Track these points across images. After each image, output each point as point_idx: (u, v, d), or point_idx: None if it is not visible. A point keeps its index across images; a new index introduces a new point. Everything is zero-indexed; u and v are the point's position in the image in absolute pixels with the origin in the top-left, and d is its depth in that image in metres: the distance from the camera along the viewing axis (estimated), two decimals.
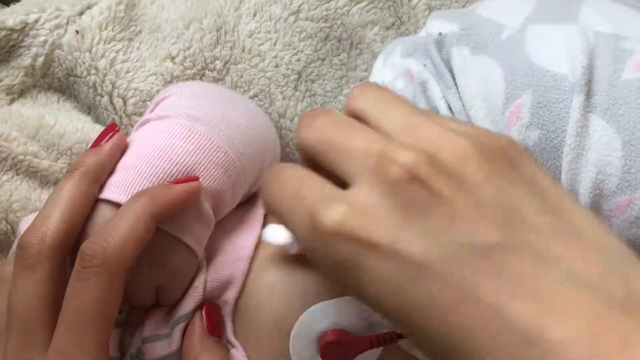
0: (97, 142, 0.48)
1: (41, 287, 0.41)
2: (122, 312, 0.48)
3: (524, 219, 0.28)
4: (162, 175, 0.46)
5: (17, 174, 0.56)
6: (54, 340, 0.40)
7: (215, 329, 0.47)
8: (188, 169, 0.47)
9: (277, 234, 0.45)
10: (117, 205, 0.45)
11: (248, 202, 0.56)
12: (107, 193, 0.46)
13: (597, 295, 0.26)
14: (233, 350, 0.48)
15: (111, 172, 0.47)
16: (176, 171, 0.46)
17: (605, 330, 0.25)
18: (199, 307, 0.48)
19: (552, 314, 0.25)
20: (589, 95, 0.45)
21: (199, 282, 0.48)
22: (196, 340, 0.45)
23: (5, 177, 0.56)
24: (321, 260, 0.30)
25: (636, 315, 0.25)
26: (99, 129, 0.59)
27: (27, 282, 0.41)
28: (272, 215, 0.34)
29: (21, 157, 0.56)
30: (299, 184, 0.32)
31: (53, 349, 0.40)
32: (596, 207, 0.45)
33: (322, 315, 0.45)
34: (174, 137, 0.48)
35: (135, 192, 0.45)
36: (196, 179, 0.46)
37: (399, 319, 0.28)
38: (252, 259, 0.50)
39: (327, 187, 0.32)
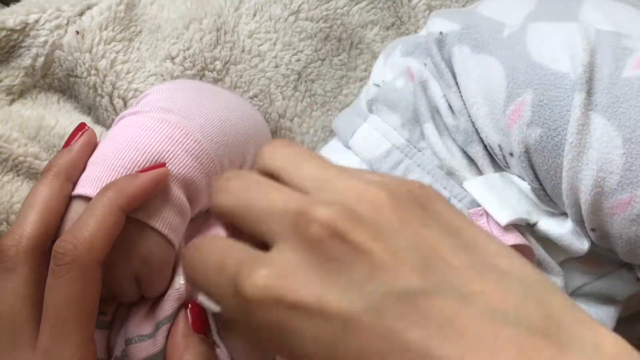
0: (68, 142, 0.49)
1: (22, 288, 0.42)
2: (107, 314, 0.48)
3: (441, 260, 0.29)
4: (130, 165, 0.46)
5: (18, 175, 0.56)
6: (40, 340, 0.41)
7: (200, 325, 0.47)
8: (156, 158, 0.47)
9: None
10: (89, 199, 0.46)
11: None
12: (79, 189, 0.47)
13: (517, 326, 0.26)
14: (217, 350, 0.47)
15: (83, 169, 0.48)
16: (144, 160, 0.47)
17: (531, 359, 0.25)
18: (182, 307, 0.47)
19: (478, 351, 0.25)
20: (589, 93, 0.45)
21: (179, 283, 0.48)
22: (180, 338, 0.46)
23: (6, 178, 0.55)
24: (249, 328, 0.30)
25: (554, 337, 0.26)
26: (99, 130, 0.59)
27: (7, 284, 0.42)
28: (196, 289, 0.34)
29: (22, 158, 0.55)
30: (221, 254, 0.32)
31: (40, 349, 0.41)
32: (597, 205, 0.45)
33: None
34: (143, 129, 0.48)
35: (104, 184, 0.45)
36: (163, 165, 0.47)
37: None
38: None
39: (249, 253, 0.31)
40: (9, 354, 0.41)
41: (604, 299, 0.52)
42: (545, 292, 0.29)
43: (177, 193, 0.47)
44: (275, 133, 0.65)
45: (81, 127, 0.50)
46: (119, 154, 0.47)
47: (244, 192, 0.33)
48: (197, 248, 0.34)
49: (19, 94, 0.60)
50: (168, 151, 0.48)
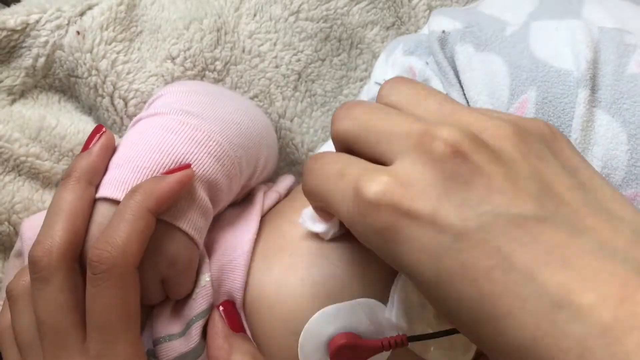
0: (86, 146, 0.49)
1: (60, 296, 0.43)
2: None
3: (556, 193, 0.30)
4: (154, 167, 0.46)
5: (20, 175, 0.56)
6: (89, 347, 0.42)
7: (238, 324, 0.47)
8: (180, 159, 0.47)
9: (314, 220, 0.46)
10: (115, 202, 0.46)
11: (244, 201, 0.56)
12: (103, 191, 0.47)
13: (624, 263, 0.27)
14: None
15: (105, 171, 0.48)
16: (168, 162, 0.47)
17: (631, 296, 0.26)
18: (212, 305, 0.48)
19: (581, 280, 0.26)
20: (593, 89, 0.45)
21: (205, 280, 0.48)
22: (222, 339, 0.46)
23: (7, 178, 0.55)
24: (362, 231, 0.31)
25: None
26: None
27: (45, 294, 0.43)
28: (315, 199, 0.35)
29: (23, 158, 0.55)
30: (342, 165, 0.33)
31: (91, 356, 0.42)
32: None
33: (332, 318, 0.45)
34: (165, 130, 0.48)
35: (130, 186, 0.45)
36: (188, 166, 0.47)
37: (435, 287, 0.29)
38: (252, 253, 0.50)
39: (369, 165, 0.32)
40: (61, 358, 0.42)
41: None
42: None
43: (201, 194, 0.47)
44: (275, 133, 0.65)
45: (98, 129, 0.50)
46: (143, 156, 0.47)
47: (367, 116, 0.34)
48: (319, 159, 0.35)
49: (20, 94, 0.60)
50: (191, 153, 0.48)
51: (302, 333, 0.45)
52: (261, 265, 0.49)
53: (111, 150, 0.49)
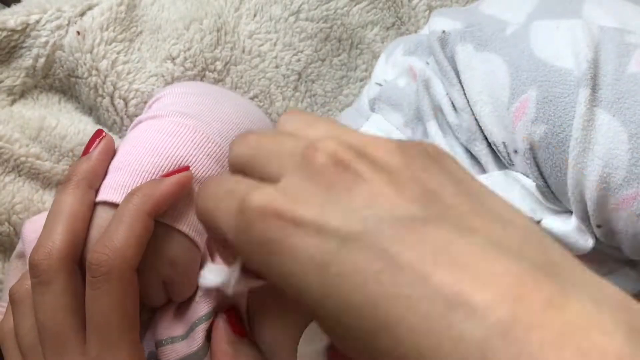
0: (87, 150, 0.49)
1: (61, 299, 0.43)
2: None
3: (441, 198, 0.29)
4: (153, 170, 0.47)
5: (20, 176, 0.56)
6: (89, 349, 0.42)
7: (242, 329, 0.47)
8: (179, 162, 0.47)
9: (213, 274, 0.44)
10: (114, 205, 0.46)
11: None
12: (103, 195, 0.47)
13: (518, 260, 0.26)
14: None
15: (105, 175, 0.48)
16: (167, 164, 0.47)
17: (529, 293, 0.24)
18: (216, 309, 0.48)
19: (474, 278, 0.25)
20: (594, 89, 0.45)
21: None
22: (228, 344, 0.46)
23: (7, 179, 0.55)
24: (246, 245, 0.31)
25: (559, 278, 0.25)
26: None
27: (45, 297, 0.43)
28: (204, 219, 0.35)
29: (23, 158, 0.55)
30: (231, 184, 0.33)
31: (91, 358, 0.42)
32: (603, 200, 0.45)
33: None
34: (163, 133, 0.49)
35: (129, 190, 0.46)
36: (187, 168, 0.47)
37: (323, 302, 0.28)
38: None
39: (258, 182, 0.32)
40: None
41: None
42: (548, 241, 0.28)
43: None
44: None
45: (99, 133, 0.50)
46: (141, 159, 0.47)
47: (258, 141, 0.34)
48: (211, 181, 0.35)
49: (20, 94, 0.60)
50: (191, 155, 0.48)
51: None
52: None
53: (111, 154, 0.49)
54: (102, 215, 0.46)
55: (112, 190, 0.47)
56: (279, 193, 0.30)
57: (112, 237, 0.42)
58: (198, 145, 0.48)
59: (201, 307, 0.47)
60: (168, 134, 0.48)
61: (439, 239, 0.27)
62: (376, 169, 0.30)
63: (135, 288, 0.43)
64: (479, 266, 0.25)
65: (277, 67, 0.65)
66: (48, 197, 0.57)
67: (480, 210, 0.29)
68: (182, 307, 0.48)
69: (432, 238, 0.27)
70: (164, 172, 0.47)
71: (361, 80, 0.69)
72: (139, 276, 0.44)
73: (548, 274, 0.25)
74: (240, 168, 0.35)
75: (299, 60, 0.66)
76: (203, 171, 0.48)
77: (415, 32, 0.69)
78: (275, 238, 0.29)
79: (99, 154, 0.48)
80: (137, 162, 0.47)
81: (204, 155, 0.48)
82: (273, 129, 0.38)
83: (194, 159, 0.48)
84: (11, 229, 0.55)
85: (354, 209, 0.28)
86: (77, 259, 0.45)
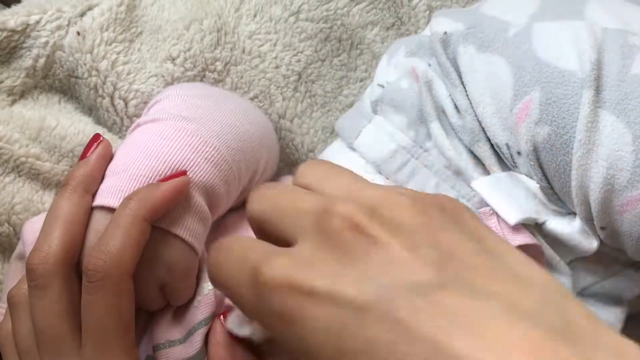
0: (84, 154, 0.49)
1: (57, 304, 0.43)
2: None
3: (458, 259, 0.29)
4: (151, 174, 0.47)
5: (20, 176, 0.56)
6: (84, 354, 0.42)
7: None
8: (177, 166, 0.47)
9: (238, 323, 0.45)
10: (111, 210, 0.46)
11: (244, 207, 0.56)
12: (100, 199, 0.47)
13: (536, 326, 0.25)
14: None
15: (102, 179, 0.48)
16: (165, 169, 0.47)
17: (546, 359, 0.24)
18: (214, 314, 0.48)
19: (491, 347, 0.25)
20: (598, 90, 0.45)
21: (207, 289, 0.47)
22: (224, 349, 0.46)
23: (7, 179, 0.55)
24: (264, 316, 0.31)
25: (577, 344, 0.25)
26: (100, 130, 0.59)
27: (42, 301, 0.43)
28: (219, 287, 0.35)
29: (23, 159, 0.55)
30: (244, 250, 0.33)
31: None
32: (607, 202, 0.45)
33: None
34: (161, 137, 0.48)
35: (126, 194, 0.45)
36: (184, 173, 0.47)
37: None
38: None
39: (271, 247, 0.32)
40: None
41: (611, 300, 0.52)
42: (567, 301, 0.28)
43: (199, 200, 0.47)
44: (275, 134, 0.65)
45: (96, 138, 0.50)
46: (139, 164, 0.47)
47: (276, 197, 0.35)
48: (221, 245, 0.35)
49: (20, 94, 0.60)
50: (188, 159, 0.48)
51: None
52: None
53: (108, 158, 0.49)
54: (99, 220, 0.46)
55: (109, 194, 0.47)
56: (292, 262, 0.30)
57: (109, 243, 0.42)
58: (196, 149, 0.48)
59: (200, 312, 0.47)
60: (166, 138, 0.48)
61: (455, 306, 0.26)
62: (392, 232, 0.29)
63: (130, 293, 0.43)
64: (495, 334, 0.25)
65: (277, 67, 0.65)
66: (48, 198, 0.56)
67: (498, 270, 0.29)
68: (181, 311, 0.48)
69: (448, 305, 0.26)
70: (162, 176, 0.47)
71: (361, 80, 0.69)
72: (136, 281, 0.44)
73: (566, 339, 0.25)
74: (260, 225, 0.35)
75: (299, 60, 0.65)
76: (201, 175, 0.48)
77: (415, 32, 0.68)
78: (290, 310, 0.29)
79: (97, 158, 0.48)
80: (135, 167, 0.47)
81: (201, 160, 0.48)
82: (291, 182, 0.37)
83: (191, 164, 0.47)
84: (11, 229, 0.55)
85: (369, 277, 0.28)
86: (73, 264, 0.45)
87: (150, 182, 0.46)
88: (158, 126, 0.50)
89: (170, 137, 0.48)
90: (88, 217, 0.46)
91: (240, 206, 0.55)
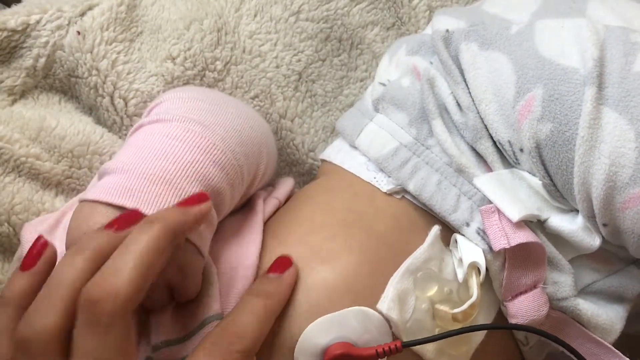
0: (186, 203, 0.44)
1: (114, 352, 0.37)
2: None
3: None
4: (161, 174, 0.46)
5: (20, 176, 0.56)
6: None
7: None
8: (186, 167, 0.46)
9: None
10: (116, 207, 0.44)
11: (244, 208, 0.56)
12: (107, 196, 0.44)
13: None
14: None
15: (109, 174, 0.46)
16: (174, 169, 0.46)
17: None
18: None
19: None
20: (600, 87, 0.45)
21: (212, 290, 0.47)
22: None
23: (7, 179, 0.55)
24: None
25: None
26: (100, 130, 0.59)
27: (100, 345, 0.37)
28: None
29: (23, 159, 0.55)
30: None
31: None
32: (609, 199, 0.45)
33: (326, 328, 0.45)
34: (169, 137, 0.48)
35: (135, 193, 0.44)
36: (207, 198, 0.44)
37: None
38: (257, 267, 0.50)
39: None
40: None
41: (613, 297, 0.52)
42: None
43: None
44: (276, 133, 0.65)
45: (202, 196, 0.45)
46: (149, 163, 0.46)
47: None
48: None
49: (20, 94, 0.60)
50: (198, 161, 0.47)
51: (297, 344, 0.45)
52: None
53: (205, 218, 0.44)
54: (105, 214, 0.44)
55: (117, 192, 0.44)
56: None
57: (117, 273, 0.38)
58: (205, 151, 0.48)
59: (204, 313, 0.47)
60: (174, 139, 0.48)
61: None
62: None
63: (131, 328, 0.38)
64: None
65: (277, 67, 0.65)
66: (48, 198, 0.56)
67: None
68: (184, 310, 0.48)
69: None
70: (171, 176, 0.45)
71: (361, 80, 0.69)
72: None
73: None
74: None
75: (299, 60, 0.66)
76: (209, 179, 0.47)
77: (416, 32, 0.69)
78: None
79: (198, 213, 0.43)
80: (145, 166, 0.46)
81: (210, 162, 0.47)
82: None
83: (200, 165, 0.47)
84: (11, 229, 0.55)
85: None
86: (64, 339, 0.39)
87: (159, 181, 0.45)
88: (165, 126, 0.49)
89: (178, 137, 0.48)
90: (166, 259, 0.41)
91: (239, 209, 0.55)
